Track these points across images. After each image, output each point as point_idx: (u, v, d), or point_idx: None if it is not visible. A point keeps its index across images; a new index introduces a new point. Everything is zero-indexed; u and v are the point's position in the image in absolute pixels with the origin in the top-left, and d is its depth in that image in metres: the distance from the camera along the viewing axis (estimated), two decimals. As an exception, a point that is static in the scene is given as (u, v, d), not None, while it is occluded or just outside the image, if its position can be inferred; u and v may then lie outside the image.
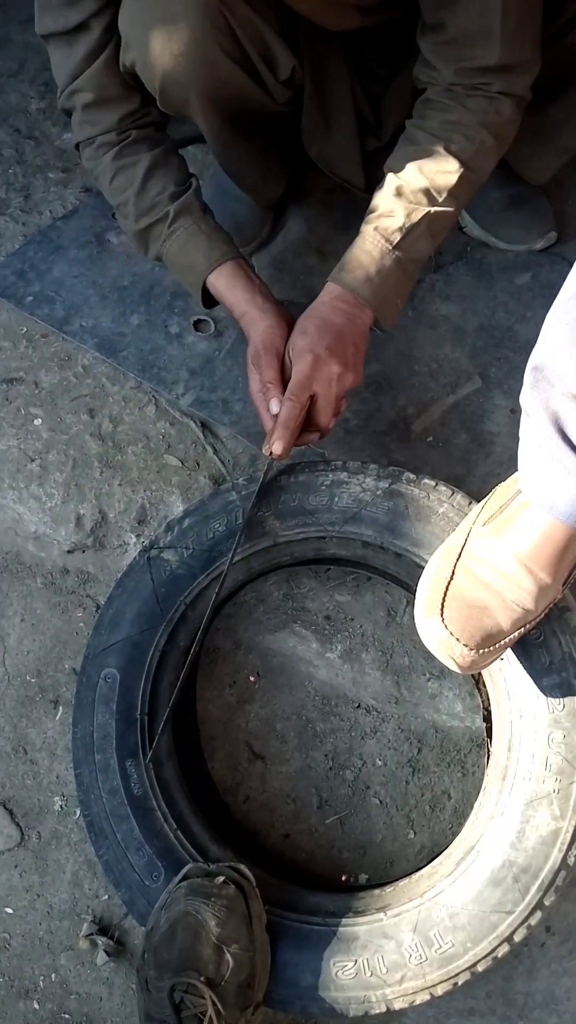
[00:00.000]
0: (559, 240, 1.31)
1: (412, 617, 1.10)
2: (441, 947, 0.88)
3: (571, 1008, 0.97)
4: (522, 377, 0.80)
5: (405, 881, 0.96)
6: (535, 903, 0.88)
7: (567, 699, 0.91)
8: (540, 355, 0.78)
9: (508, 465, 1.15)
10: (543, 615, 0.89)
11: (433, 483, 0.99)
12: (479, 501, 0.98)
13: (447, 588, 0.89)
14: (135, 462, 1.19)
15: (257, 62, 0.98)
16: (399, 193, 0.95)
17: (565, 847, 0.88)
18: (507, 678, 0.94)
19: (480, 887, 0.89)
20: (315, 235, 1.35)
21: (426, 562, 0.94)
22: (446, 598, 0.88)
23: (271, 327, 0.97)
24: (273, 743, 1.10)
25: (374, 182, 1.19)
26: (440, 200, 0.95)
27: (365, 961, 0.89)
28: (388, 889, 0.96)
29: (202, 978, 0.84)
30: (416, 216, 0.95)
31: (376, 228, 0.95)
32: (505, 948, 0.88)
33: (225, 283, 1.01)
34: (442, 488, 0.99)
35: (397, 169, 0.97)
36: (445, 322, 1.26)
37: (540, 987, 0.99)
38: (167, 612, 1.00)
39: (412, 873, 0.97)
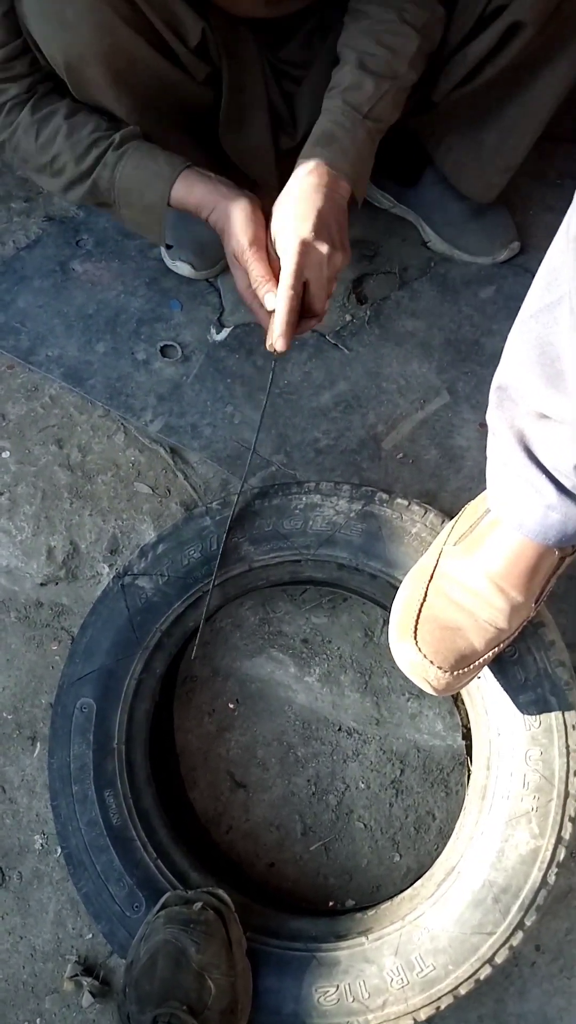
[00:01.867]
0: (522, 251, 1.32)
1: (388, 639, 1.10)
2: (423, 970, 0.87)
3: (564, 1028, 0.97)
4: (489, 390, 0.81)
5: (387, 904, 0.95)
6: (516, 923, 0.87)
7: (543, 716, 0.91)
8: (504, 374, 0.79)
9: (479, 479, 1.15)
10: (517, 633, 0.89)
11: (406, 503, 0.99)
12: (452, 518, 0.98)
13: (420, 610, 0.89)
14: (105, 491, 1.18)
15: (162, 29, 0.95)
16: (362, 66, 0.94)
17: (545, 866, 0.87)
18: (484, 696, 0.94)
19: (461, 908, 0.88)
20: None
21: (400, 582, 0.94)
22: (419, 621, 0.88)
23: (248, 217, 0.93)
24: (255, 771, 1.09)
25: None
26: (402, 72, 0.95)
27: (347, 986, 0.88)
28: (370, 913, 0.95)
29: (184, 1007, 0.83)
30: (383, 87, 0.94)
31: (345, 101, 0.94)
32: (487, 970, 0.87)
33: (188, 189, 0.97)
34: (415, 507, 0.99)
35: (354, 44, 0.96)
36: (411, 338, 1.27)
37: (532, 1008, 0.98)
38: (143, 639, 0.99)
39: (394, 896, 0.96)
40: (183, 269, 1.32)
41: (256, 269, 0.92)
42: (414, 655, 0.87)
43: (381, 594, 1.00)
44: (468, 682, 0.89)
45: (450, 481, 1.17)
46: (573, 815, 0.90)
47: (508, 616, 0.87)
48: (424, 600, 0.89)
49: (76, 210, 1.41)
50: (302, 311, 0.92)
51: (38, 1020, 1.00)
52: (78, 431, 1.22)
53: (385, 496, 0.99)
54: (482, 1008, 0.98)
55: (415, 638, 0.87)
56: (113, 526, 1.17)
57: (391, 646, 0.91)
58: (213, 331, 1.28)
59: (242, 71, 1.07)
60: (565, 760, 0.90)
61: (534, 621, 0.92)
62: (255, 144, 1.14)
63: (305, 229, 0.89)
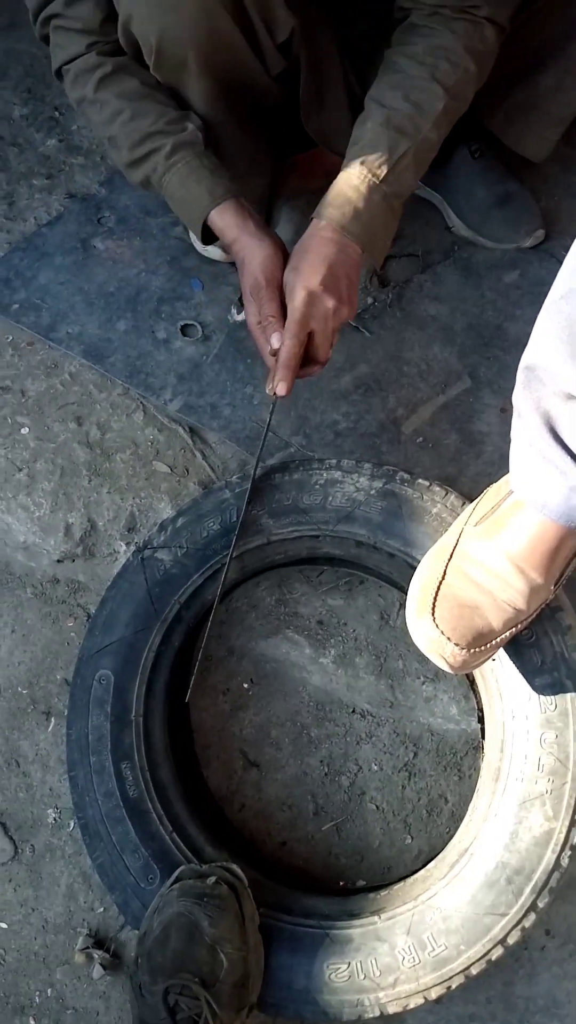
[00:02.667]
0: (547, 238, 1.31)
1: (405, 620, 1.10)
2: (434, 950, 0.88)
3: (573, 1012, 0.97)
4: (512, 376, 0.80)
5: (399, 884, 0.96)
6: (529, 905, 0.87)
7: (559, 699, 0.91)
8: (532, 355, 0.78)
9: (499, 465, 1.15)
10: (535, 615, 0.89)
11: (427, 483, 1.00)
12: (471, 501, 0.98)
13: (439, 588, 0.89)
14: (124, 469, 1.18)
15: (256, 20, 0.98)
16: (386, 123, 0.96)
17: (559, 848, 0.88)
18: (499, 679, 0.94)
19: (474, 890, 0.89)
20: (301, 236, 1.34)
21: (418, 562, 0.94)
22: (437, 598, 0.89)
23: (269, 257, 0.97)
24: (268, 750, 1.09)
25: None
26: (425, 130, 0.96)
27: (359, 964, 0.89)
28: (382, 892, 0.96)
29: (196, 979, 0.84)
30: (402, 148, 0.96)
31: (363, 162, 0.95)
32: (499, 951, 0.88)
33: (222, 217, 1.01)
34: (436, 488, 0.99)
35: (381, 99, 0.98)
36: (434, 322, 1.26)
37: (541, 991, 0.98)
38: (161, 612, 1.00)
39: (407, 876, 0.97)
40: (213, 253, 1.31)
41: (268, 308, 0.96)
42: (431, 631, 0.87)
43: (398, 574, 1.00)
44: (484, 661, 0.90)
45: (470, 466, 1.17)
46: None
47: (527, 597, 0.87)
48: (443, 578, 0.90)
49: (98, 187, 1.40)
50: (305, 358, 0.96)
51: (49, 990, 1.01)
52: (97, 409, 1.22)
53: (406, 476, 0.99)
54: (491, 990, 0.99)
55: (433, 615, 0.88)
56: (131, 504, 1.17)
57: (408, 623, 0.91)
58: (234, 311, 1.27)
59: (319, 54, 1.09)
60: None
61: (552, 605, 0.92)
62: (335, 121, 1.16)
63: (314, 282, 0.93)
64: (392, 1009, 0.88)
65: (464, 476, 1.17)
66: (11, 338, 1.28)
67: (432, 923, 0.89)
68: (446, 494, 0.98)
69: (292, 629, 1.12)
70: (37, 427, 1.21)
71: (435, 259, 1.31)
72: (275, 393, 0.94)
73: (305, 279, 0.93)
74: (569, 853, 0.89)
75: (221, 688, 1.12)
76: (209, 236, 1.05)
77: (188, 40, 0.96)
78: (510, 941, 0.88)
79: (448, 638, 0.86)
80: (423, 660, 1.09)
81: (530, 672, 0.92)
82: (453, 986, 0.88)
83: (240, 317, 1.27)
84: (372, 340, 1.25)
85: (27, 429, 1.21)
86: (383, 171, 0.95)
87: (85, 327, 1.27)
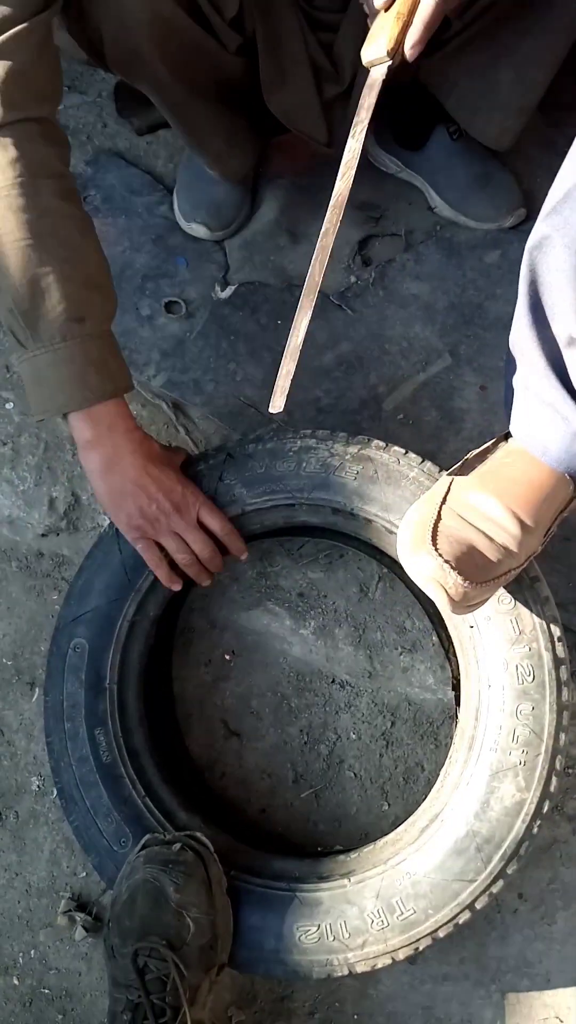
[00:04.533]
0: (527, 217, 1.33)
1: (384, 593, 1.13)
2: (403, 913, 0.90)
3: (543, 971, 1.00)
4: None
5: (370, 848, 0.98)
6: (497, 872, 0.90)
7: (537, 670, 0.93)
8: (537, 290, 0.78)
9: (478, 441, 1.16)
10: (524, 566, 0.90)
11: (403, 451, 1.00)
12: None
13: (435, 526, 0.88)
14: (108, 444, 1.20)
15: (201, 1, 0.96)
16: None
17: (529, 818, 0.90)
18: (477, 647, 0.96)
19: (443, 856, 0.91)
20: (287, 217, 1.36)
21: (396, 527, 0.95)
22: (436, 533, 0.87)
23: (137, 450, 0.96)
24: (249, 720, 1.12)
25: (335, 135, 1.21)
26: None
27: (328, 926, 0.91)
28: (353, 856, 0.98)
29: (164, 942, 0.86)
30: None
31: None
32: (467, 915, 0.90)
33: (79, 419, 0.92)
34: (412, 455, 1.00)
35: None
36: (415, 301, 1.28)
37: (512, 952, 1.01)
38: (135, 582, 1.01)
39: (378, 840, 0.99)
40: (199, 231, 1.33)
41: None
42: (432, 561, 0.84)
43: (376, 539, 1.01)
44: (482, 601, 0.89)
45: (449, 442, 1.19)
46: (560, 770, 0.92)
47: (519, 542, 0.87)
48: (438, 519, 0.88)
49: (84, 166, 1.41)
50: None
51: (32, 952, 1.03)
52: (82, 384, 1.24)
53: (381, 443, 1.00)
54: (464, 951, 1.02)
55: (435, 545, 0.85)
56: (115, 478, 1.19)
57: (403, 560, 0.88)
58: (218, 288, 1.29)
59: (277, 30, 1.07)
60: (555, 716, 0.92)
61: (531, 575, 0.94)
62: (300, 100, 1.14)
63: None
64: (360, 969, 0.91)
65: (443, 452, 1.19)
66: (-4, 314, 1.29)
67: (401, 887, 0.91)
68: (422, 461, 0.99)
69: (273, 601, 1.15)
70: (22, 401, 1.23)
71: (417, 239, 1.33)
72: (396, 53, 0.84)
73: None
74: (539, 823, 0.91)
75: (203, 659, 1.14)
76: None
77: (135, 26, 0.93)
78: (478, 906, 0.90)
79: (451, 566, 0.84)
80: (401, 631, 1.12)
81: (509, 642, 0.93)
82: (421, 947, 0.91)
83: (225, 295, 1.29)
84: (354, 318, 1.27)
85: (12, 404, 1.23)
86: None
87: (70, 304, 1.28)
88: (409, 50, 0.86)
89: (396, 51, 0.85)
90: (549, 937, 1.02)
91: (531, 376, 0.82)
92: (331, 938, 0.91)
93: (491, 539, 0.87)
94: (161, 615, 1.04)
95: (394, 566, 1.07)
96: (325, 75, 1.14)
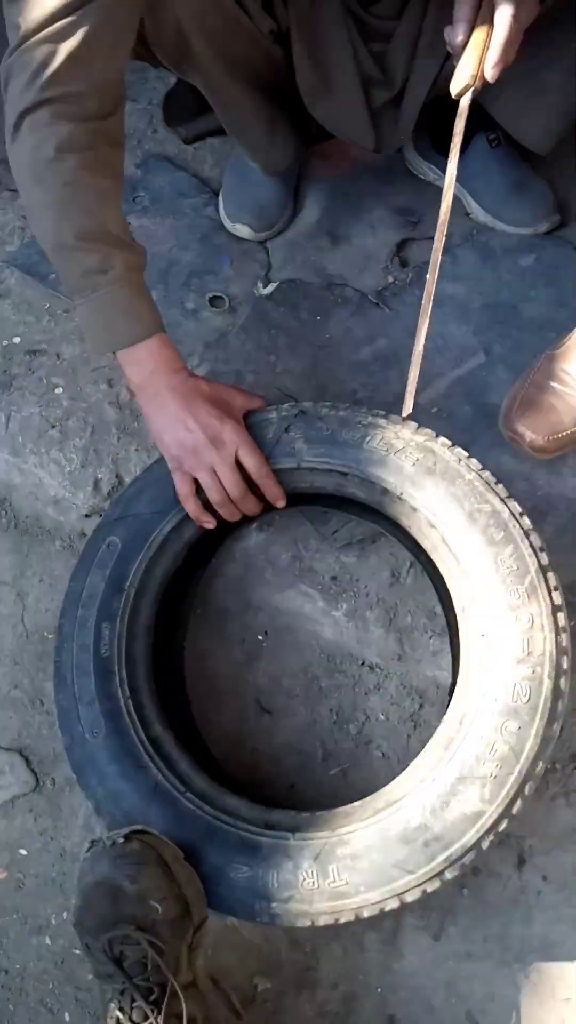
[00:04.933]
0: (562, 224, 1.37)
1: (415, 578, 1.16)
2: (335, 882, 0.91)
3: (566, 952, 1.01)
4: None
5: (323, 813, 0.98)
6: (436, 872, 0.89)
7: (534, 694, 0.91)
8: None
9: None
10: None
11: (466, 454, 1.01)
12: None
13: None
14: (151, 430, 1.25)
15: None
16: None
17: (483, 831, 0.89)
18: (483, 655, 0.94)
19: (390, 840, 0.90)
20: (328, 218, 1.42)
21: (436, 527, 0.98)
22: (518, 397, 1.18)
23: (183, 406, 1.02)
24: (280, 698, 1.15)
25: (383, 140, 1.25)
26: None
27: (261, 871, 0.92)
28: (304, 814, 0.98)
29: (132, 927, 0.86)
30: None
31: None
32: (395, 903, 0.89)
33: (131, 355, 1.02)
34: (474, 461, 1.01)
35: None
36: (451, 301, 1.32)
37: (536, 933, 1.03)
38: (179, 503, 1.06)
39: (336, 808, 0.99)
40: (243, 231, 1.39)
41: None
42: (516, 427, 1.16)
43: (416, 529, 1.03)
44: (559, 452, 1.18)
45: (482, 437, 1.23)
46: (528, 795, 0.90)
47: None
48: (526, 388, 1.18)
49: (134, 169, 1.48)
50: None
51: (65, 914, 1.06)
52: (128, 373, 1.29)
53: (447, 440, 1.01)
54: (488, 930, 1.03)
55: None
56: (157, 462, 1.23)
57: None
58: (260, 285, 1.34)
59: (322, 37, 1.10)
60: (538, 742, 0.90)
61: (554, 603, 0.94)
62: (345, 107, 1.18)
63: None
64: (279, 921, 0.91)
65: (476, 445, 1.22)
66: (48, 305, 1.35)
67: (340, 857, 0.91)
68: (482, 468, 1.00)
69: (306, 584, 1.18)
70: (71, 387, 1.29)
71: (454, 242, 1.38)
72: (478, 79, 0.91)
73: None
74: (491, 839, 0.89)
75: (237, 639, 1.18)
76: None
77: (178, 4, 0.98)
78: (408, 899, 0.89)
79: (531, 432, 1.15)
80: (431, 616, 1.15)
81: (514, 659, 0.92)
82: (341, 920, 0.90)
83: (267, 291, 1.34)
84: (391, 316, 1.32)
85: (61, 389, 1.29)
86: None
87: (118, 297, 1.34)
88: (489, 71, 0.92)
89: (478, 76, 0.92)
90: (572, 919, 1.03)
91: None
92: (259, 883, 0.92)
93: (567, 401, 1.13)
94: (195, 544, 1.08)
95: (423, 557, 1.10)
96: (375, 82, 1.17)
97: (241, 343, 1.30)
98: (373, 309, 1.32)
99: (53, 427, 1.26)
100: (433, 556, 1.02)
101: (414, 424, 1.03)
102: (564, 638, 0.94)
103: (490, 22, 0.91)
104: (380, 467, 1.01)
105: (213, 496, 1.03)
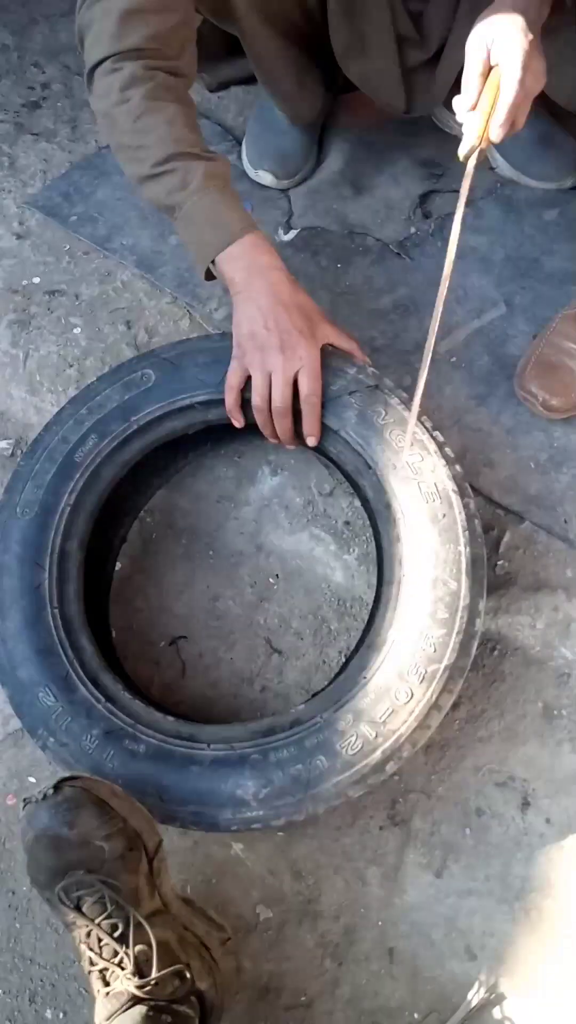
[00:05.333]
0: (588, 179, 1.37)
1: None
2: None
3: (563, 892, 1.02)
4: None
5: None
6: None
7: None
8: None
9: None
10: None
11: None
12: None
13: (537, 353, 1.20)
14: (168, 371, 1.25)
15: None
16: None
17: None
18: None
19: None
20: (352, 168, 1.41)
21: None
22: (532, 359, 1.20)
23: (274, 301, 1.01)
24: (290, 639, 1.16)
25: (414, 103, 1.25)
26: None
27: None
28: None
29: (81, 871, 0.85)
30: None
31: None
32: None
33: (258, 243, 1.02)
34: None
35: None
36: (473, 253, 1.32)
37: (537, 872, 1.04)
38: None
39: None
40: (265, 179, 1.38)
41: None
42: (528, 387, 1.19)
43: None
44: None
45: (500, 386, 1.23)
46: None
47: None
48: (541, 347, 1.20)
49: (158, 115, 1.47)
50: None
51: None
52: (146, 314, 1.30)
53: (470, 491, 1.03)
54: (489, 869, 1.04)
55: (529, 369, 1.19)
56: (173, 403, 1.24)
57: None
58: (281, 231, 1.34)
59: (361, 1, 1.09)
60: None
61: None
62: (380, 68, 1.18)
63: (530, 36, 0.91)
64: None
65: (494, 395, 1.23)
66: (68, 247, 1.36)
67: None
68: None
69: (319, 527, 1.19)
70: (89, 327, 1.29)
71: (478, 195, 1.37)
72: (484, 140, 0.93)
73: (524, 33, 0.90)
74: None
75: (249, 581, 1.18)
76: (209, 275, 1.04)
77: None
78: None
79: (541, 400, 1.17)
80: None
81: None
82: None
83: (288, 237, 1.34)
84: (413, 266, 1.32)
85: (79, 329, 1.29)
86: None
87: (139, 240, 1.35)
88: (495, 132, 0.93)
89: (484, 138, 0.94)
90: (573, 861, 1.04)
91: None
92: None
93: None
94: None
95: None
96: (410, 43, 1.17)
97: (261, 288, 1.30)
98: (394, 259, 1.32)
99: (71, 366, 1.27)
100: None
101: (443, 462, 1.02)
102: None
103: (497, 87, 0.92)
104: (397, 481, 1.01)
105: (256, 398, 1.01)
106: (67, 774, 0.89)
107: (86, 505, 1.06)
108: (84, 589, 1.05)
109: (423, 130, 1.44)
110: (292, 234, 1.34)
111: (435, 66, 1.18)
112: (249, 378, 1.02)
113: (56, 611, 1.01)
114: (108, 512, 1.10)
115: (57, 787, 0.87)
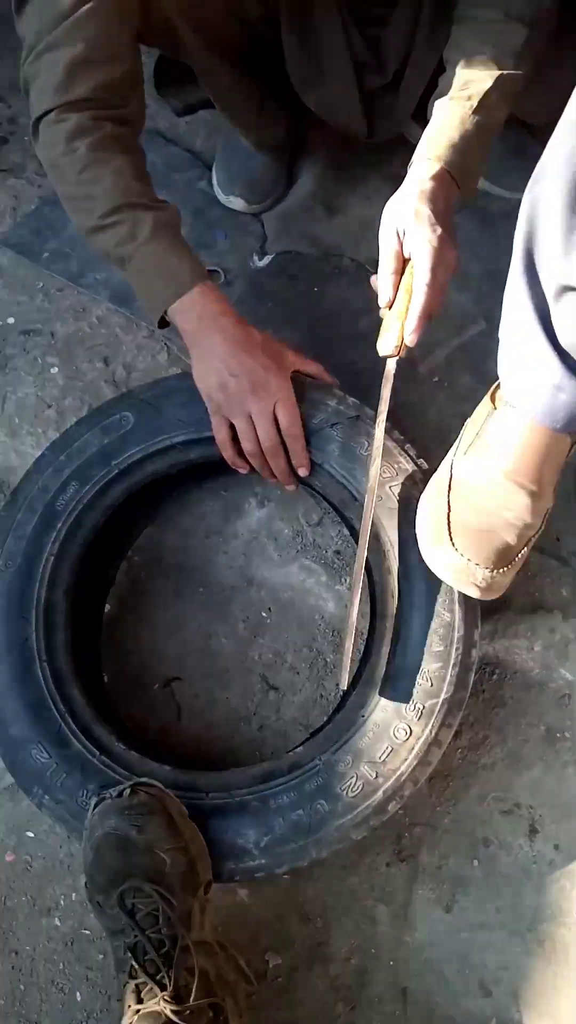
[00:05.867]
0: (562, 188, 1.35)
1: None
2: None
3: (579, 920, 1.01)
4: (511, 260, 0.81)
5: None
6: None
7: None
8: (527, 236, 0.78)
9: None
10: (543, 527, 0.93)
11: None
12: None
13: (448, 520, 0.91)
14: (148, 407, 1.24)
15: None
16: (468, 65, 0.95)
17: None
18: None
19: None
20: (323, 190, 1.40)
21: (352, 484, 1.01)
22: (451, 528, 0.91)
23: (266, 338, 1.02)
24: (285, 674, 1.14)
25: (376, 128, 1.24)
26: (508, 65, 0.95)
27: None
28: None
29: (144, 879, 0.86)
30: (489, 81, 0.94)
31: (451, 99, 0.95)
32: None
33: (205, 294, 0.99)
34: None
35: (459, 47, 0.97)
36: (450, 269, 1.30)
37: (548, 901, 1.02)
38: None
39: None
40: (237, 204, 1.37)
41: (313, 367, 1.06)
42: (454, 558, 0.89)
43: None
44: (510, 581, 0.92)
45: (484, 404, 1.21)
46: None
47: (531, 510, 0.89)
48: (450, 511, 0.92)
49: (125, 145, 1.46)
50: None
51: (73, 895, 1.06)
52: (123, 350, 1.28)
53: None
54: (500, 900, 1.03)
55: (451, 541, 0.90)
56: (155, 439, 1.22)
57: (426, 557, 0.93)
58: (255, 258, 1.33)
59: (313, 24, 1.08)
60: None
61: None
62: (338, 95, 1.16)
63: (439, 229, 0.92)
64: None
65: (478, 414, 1.21)
66: (42, 284, 1.34)
67: None
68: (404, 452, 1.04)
69: (309, 558, 1.17)
70: (66, 367, 1.28)
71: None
72: (402, 348, 0.95)
73: (432, 226, 0.92)
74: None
75: (241, 616, 1.17)
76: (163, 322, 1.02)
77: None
78: None
79: (475, 562, 0.88)
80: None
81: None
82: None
83: (262, 264, 1.33)
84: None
85: (56, 369, 1.28)
86: (474, 102, 0.94)
87: (112, 273, 1.33)
88: (408, 337, 0.94)
89: (401, 346, 0.96)
90: (586, 888, 1.02)
91: (519, 327, 0.82)
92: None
93: (503, 517, 0.89)
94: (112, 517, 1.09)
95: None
96: (368, 68, 1.15)
97: (237, 317, 1.29)
98: (370, 279, 1.30)
99: (49, 407, 1.26)
100: None
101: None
102: None
103: (410, 290, 0.94)
104: (383, 511, 1.01)
105: (246, 444, 1.02)
106: (144, 779, 0.92)
107: (70, 553, 1.05)
108: (73, 637, 1.04)
109: (394, 146, 1.42)
110: (267, 260, 1.33)
111: (395, 90, 1.17)
112: (233, 427, 1.02)
113: (45, 664, 1.00)
114: (94, 557, 1.09)
115: (133, 790, 0.90)
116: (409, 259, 0.95)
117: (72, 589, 1.05)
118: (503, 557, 0.90)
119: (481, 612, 1.03)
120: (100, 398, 1.25)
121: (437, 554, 0.91)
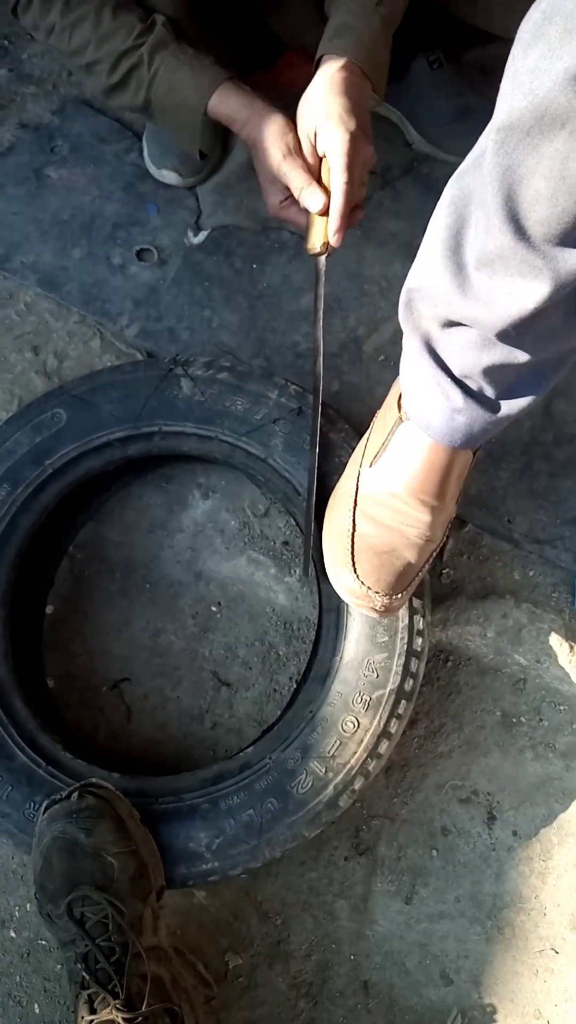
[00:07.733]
0: (508, 149, 1.33)
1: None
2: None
3: (538, 905, 1.04)
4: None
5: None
6: None
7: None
8: (414, 277, 0.80)
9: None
10: (446, 538, 0.96)
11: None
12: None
13: (352, 540, 0.94)
14: (84, 398, 1.22)
15: None
16: None
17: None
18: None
19: None
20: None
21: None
22: (354, 550, 0.94)
23: (282, 131, 0.99)
24: (237, 669, 1.15)
25: None
26: None
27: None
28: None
29: (91, 886, 0.87)
30: None
31: None
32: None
33: (225, 102, 1.02)
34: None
35: None
36: (394, 239, 1.29)
37: (507, 888, 1.05)
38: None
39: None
40: (169, 177, 1.34)
41: (297, 178, 0.97)
42: (354, 585, 0.93)
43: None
44: (408, 598, 0.96)
45: (432, 382, 1.21)
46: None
47: (433, 526, 0.92)
48: (354, 530, 0.94)
49: (51, 116, 1.42)
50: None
51: (28, 905, 1.07)
52: (54, 337, 1.26)
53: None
54: (459, 889, 1.05)
55: (354, 569, 0.93)
56: (92, 432, 1.21)
57: (330, 575, 0.97)
58: (191, 234, 1.30)
59: None
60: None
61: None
62: (299, 17, 1.16)
63: (352, 124, 0.92)
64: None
65: (426, 392, 1.20)
66: (-34, 271, 1.31)
67: None
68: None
69: (257, 551, 1.17)
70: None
71: (394, 175, 1.34)
72: (328, 247, 0.96)
73: (342, 122, 0.91)
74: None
75: (189, 612, 1.17)
76: (206, 139, 1.07)
77: None
78: None
79: (374, 591, 0.92)
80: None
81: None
82: None
83: (198, 240, 1.30)
84: (331, 259, 1.27)
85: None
86: None
87: (40, 256, 1.30)
88: (332, 237, 0.97)
89: (326, 244, 0.98)
90: (544, 872, 1.05)
91: (413, 352, 0.84)
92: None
93: (406, 535, 0.92)
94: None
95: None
96: None
97: (173, 297, 1.27)
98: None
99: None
100: None
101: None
102: None
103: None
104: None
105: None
106: (93, 780, 0.94)
107: (5, 558, 1.04)
108: (12, 646, 1.03)
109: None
110: (202, 235, 1.30)
111: None
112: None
113: (-17, 675, 0.99)
114: (31, 559, 1.08)
115: (82, 793, 0.90)
116: (324, 157, 0.95)
117: (9, 596, 1.04)
118: (402, 579, 0.94)
119: (432, 600, 1.05)
120: (30, 390, 1.23)
121: (340, 577, 0.96)
